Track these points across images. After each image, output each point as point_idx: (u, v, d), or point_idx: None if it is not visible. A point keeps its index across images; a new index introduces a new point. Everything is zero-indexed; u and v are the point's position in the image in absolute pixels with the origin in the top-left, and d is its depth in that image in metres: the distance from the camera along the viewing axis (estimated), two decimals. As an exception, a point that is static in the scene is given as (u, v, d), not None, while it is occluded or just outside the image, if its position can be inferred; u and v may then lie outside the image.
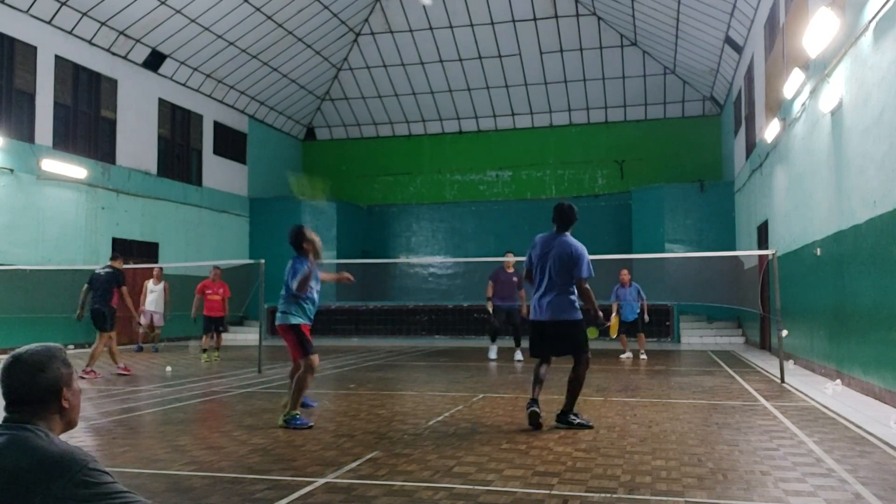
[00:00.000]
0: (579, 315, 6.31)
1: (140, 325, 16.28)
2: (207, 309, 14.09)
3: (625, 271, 13.89)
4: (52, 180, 16.08)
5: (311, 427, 6.32)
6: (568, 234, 6.40)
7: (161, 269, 16.83)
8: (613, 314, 7.59)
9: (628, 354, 14.00)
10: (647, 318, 13.92)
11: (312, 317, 6.96)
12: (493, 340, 13.92)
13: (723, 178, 21.97)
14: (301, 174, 6.56)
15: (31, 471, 1.85)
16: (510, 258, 13.65)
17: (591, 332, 13.69)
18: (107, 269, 11.55)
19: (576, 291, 6.29)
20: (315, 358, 6.73)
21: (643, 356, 13.60)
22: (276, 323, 6.86)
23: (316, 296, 6.94)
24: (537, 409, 6.15)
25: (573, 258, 6.20)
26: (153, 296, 16.49)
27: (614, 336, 8.01)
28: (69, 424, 2.13)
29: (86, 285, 11.45)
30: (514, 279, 13.62)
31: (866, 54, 7.76)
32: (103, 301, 11.26)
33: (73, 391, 2.11)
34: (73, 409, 2.13)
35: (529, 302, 6.72)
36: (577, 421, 6.30)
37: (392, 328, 20.86)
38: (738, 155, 19.11)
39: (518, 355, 13.31)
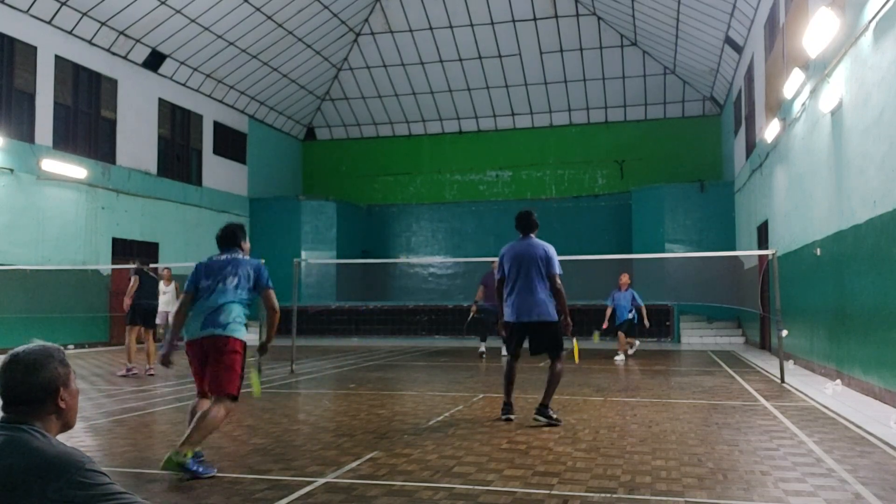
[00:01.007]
0: (556, 315, 6.55)
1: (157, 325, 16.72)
2: None
3: (625, 275, 13.85)
4: (52, 180, 16.08)
5: (213, 475, 4.59)
6: (533, 236, 6.76)
7: (169, 269, 16.96)
8: (575, 340, 7.46)
9: (622, 357, 13.48)
10: (647, 323, 13.89)
11: None
12: (484, 339, 14.66)
13: (723, 178, 21.97)
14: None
15: (28, 472, 1.85)
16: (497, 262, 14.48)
17: (595, 338, 13.97)
18: (152, 273, 12.20)
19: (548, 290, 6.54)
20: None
21: (630, 352, 13.71)
22: (225, 333, 4.90)
23: None
24: (513, 417, 6.67)
25: (547, 255, 6.54)
26: (166, 297, 16.64)
27: (577, 361, 8.03)
28: (66, 426, 2.12)
29: (136, 277, 11.68)
30: None
31: (866, 54, 7.76)
32: (153, 299, 11.90)
33: (70, 392, 2.10)
34: (70, 410, 2.12)
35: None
36: (555, 416, 6.43)
37: (392, 328, 20.87)
38: (738, 155, 19.11)
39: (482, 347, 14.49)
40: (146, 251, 18.91)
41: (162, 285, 16.70)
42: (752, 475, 4.56)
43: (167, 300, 16.67)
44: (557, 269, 6.53)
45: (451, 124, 25.50)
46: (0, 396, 2.04)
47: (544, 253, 6.54)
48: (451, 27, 22.33)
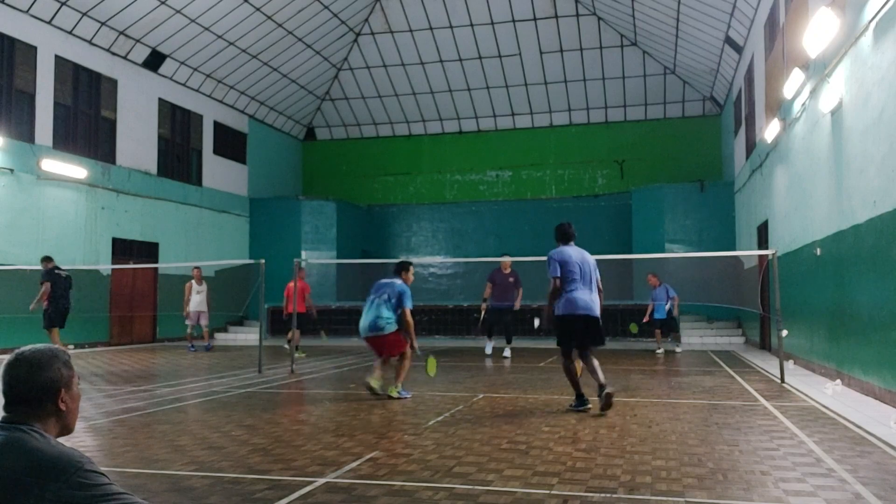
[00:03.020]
0: None
1: (187, 325, 16.72)
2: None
3: (651, 276, 15.42)
4: (52, 180, 16.08)
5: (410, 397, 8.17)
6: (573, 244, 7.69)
7: (199, 269, 16.90)
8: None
9: (662, 351, 14.99)
10: (675, 313, 15.23)
11: None
12: (490, 336, 14.53)
13: (723, 178, 21.97)
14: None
15: (27, 473, 1.84)
16: (507, 259, 14.19)
17: (633, 328, 15.19)
18: (66, 273, 12.68)
19: None
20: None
21: (678, 350, 15.08)
22: (385, 332, 8.26)
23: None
24: (591, 406, 7.26)
25: (595, 264, 7.68)
26: (200, 296, 16.62)
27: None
28: (65, 429, 2.11)
29: (49, 283, 12.13)
30: (511, 280, 14.12)
31: (866, 54, 7.76)
32: (68, 301, 12.51)
33: (71, 395, 2.10)
34: (70, 414, 2.11)
35: (540, 302, 8.07)
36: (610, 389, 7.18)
37: (392, 328, 20.80)
38: (738, 155, 19.11)
39: (507, 352, 14.00)
40: (146, 251, 18.93)
41: (195, 285, 16.69)
42: (752, 475, 4.56)
43: (200, 300, 16.63)
44: (599, 276, 7.76)
45: (451, 124, 25.49)
46: (3, 395, 2.04)
47: (594, 262, 7.69)
48: (451, 27, 22.32)
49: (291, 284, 15.15)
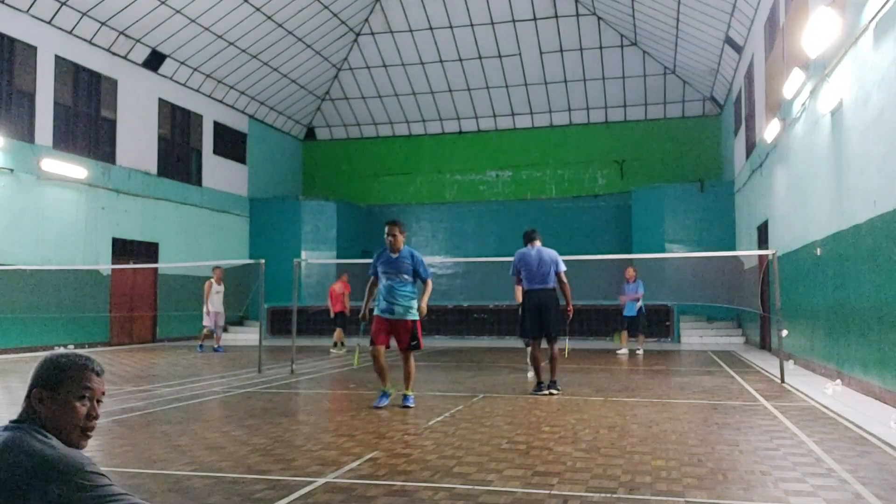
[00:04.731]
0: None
1: (205, 325, 16.38)
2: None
3: (629, 269, 15.16)
4: (52, 180, 16.08)
5: (378, 408, 7.43)
6: (539, 244, 8.78)
7: (221, 268, 16.62)
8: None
9: (625, 351, 14.76)
10: (642, 310, 15.01)
11: (384, 307, 7.92)
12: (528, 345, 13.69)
13: (723, 178, 21.97)
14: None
15: (28, 473, 1.85)
16: None
17: (616, 338, 15.24)
18: None
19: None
20: (371, 348, 7.81)
21: (639, 352, 14.74)
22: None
23: (387, 282, 8.07)
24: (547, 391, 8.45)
25: (554, 258, 8.67)
26: (219, 296, 16.33)
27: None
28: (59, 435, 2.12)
29: None
30: None
31: (866, 54, 7.76)
32: None
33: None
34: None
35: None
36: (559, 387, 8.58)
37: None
38: (738, 155, 19.11)
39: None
40: (146, 251, 18.94)
41: (215, 284, 16.41)
42: (752, 475, 4.56)
43: (220, 300, 16.34)
44: (564, 267, 8.69)
45: (451, 124, 25.49)
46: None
47: (554, 256, 8.66)
48: (451, 27, 22.32)
49: (335, 287, 16.22)
